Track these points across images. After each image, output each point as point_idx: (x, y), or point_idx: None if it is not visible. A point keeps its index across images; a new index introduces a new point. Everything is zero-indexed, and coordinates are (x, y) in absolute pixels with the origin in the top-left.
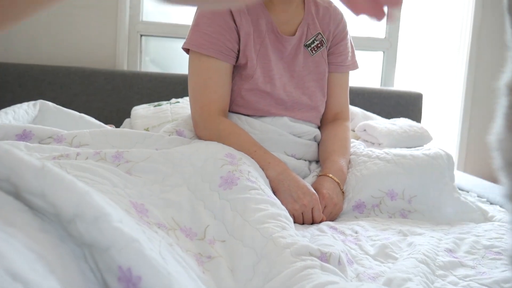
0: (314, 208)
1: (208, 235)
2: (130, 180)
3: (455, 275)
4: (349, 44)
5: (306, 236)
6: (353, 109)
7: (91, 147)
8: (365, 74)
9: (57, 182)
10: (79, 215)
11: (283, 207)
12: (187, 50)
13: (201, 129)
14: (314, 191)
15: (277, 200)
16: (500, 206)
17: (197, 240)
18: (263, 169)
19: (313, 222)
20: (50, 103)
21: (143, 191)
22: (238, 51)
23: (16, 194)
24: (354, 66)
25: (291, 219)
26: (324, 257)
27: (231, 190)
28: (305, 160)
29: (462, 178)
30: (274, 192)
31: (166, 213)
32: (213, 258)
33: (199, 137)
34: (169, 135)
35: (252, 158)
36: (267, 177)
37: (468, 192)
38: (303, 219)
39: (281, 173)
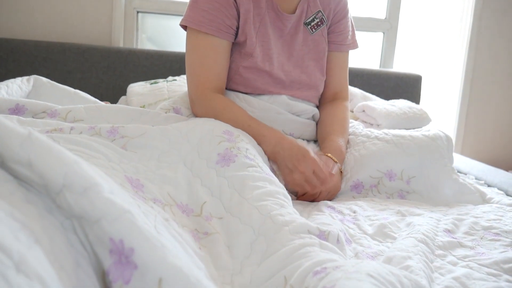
0: (315, 171)
1: (205, 212)
2: (125, 155)
3: (454, 255)
4: (349, 23)
5: (303, 215)
6: (352, 89)
7: (86, 123)
8: (364, 55)
9: (45, 151)
10: (67, 186)
11: (281, 185)
12: (184, 27)
13: (197, 106)
14: (312, 155)
15: (275, 178)
16: (498, 189)
17: (194, 216)
18: (259, 144)
19: (313, 200)
20: (44, 79)
21: (139, 166)
22: (237, 28)
23: (1, 163)
24: (354, 45)
25: (289, 197)
26: (323, 235)
27: (228, 167)
28: (303, 139)
29: (459, 161)
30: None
31: (162, 189)
32: (210, 235)
33: (195, 114)
34: (166, 113)
35: (247, 133)
36: (264, 152)
37: (466, 174)
38: (309, 188)
39: (276, 145)
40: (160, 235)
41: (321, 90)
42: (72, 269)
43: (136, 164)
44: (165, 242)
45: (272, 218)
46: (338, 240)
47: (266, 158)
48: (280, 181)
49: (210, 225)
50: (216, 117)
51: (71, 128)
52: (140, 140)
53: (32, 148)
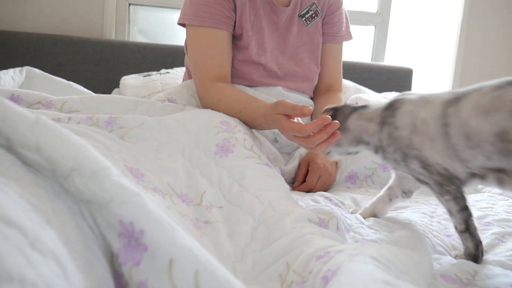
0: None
1: (205, 201)
2: (124, 145)
3: (450, 254)
4: (343, 15)
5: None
6: (345, 82)
7: (82, 113)
8: (356, 48)
9: (53, 135)
10: (76, 169)
11: (280, 176)
12: (182, 24)
13: (202, 100)
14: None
15: (273, 168)
16: None
17: (194, 206)
18: (254, 128)
19: (309, 191)
20: (37, 70)
21: (138, 157)
22: (234, 21)
23: (8, 148)
24: (348, 36)
25: (288, 187)
26: (323, 223)
27: (227, 157)
28: None
29: None
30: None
31: (162, 178)
32: (210, 223)
33: (204, 108)
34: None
35: (243, 119)
36: (262, 128)
37: None
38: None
39: (266, 121)
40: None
41: (315, 82)
42: (83, 251)
43: (135, 154)
44: (174, 224)
45: (273, 207)
46: (338, 227)
47: (264, 148)
48: (277, 170)
49: (211, 214)
50: (216, 108)
51: (69, 119)
52: (139, 131)
53: (41, 132)
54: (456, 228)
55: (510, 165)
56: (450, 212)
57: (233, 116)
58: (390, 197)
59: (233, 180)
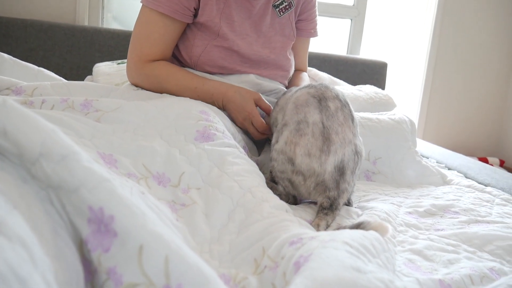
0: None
1: (183, 184)
2: (98, 128)
3: (415, 231)
4: (317, 12)
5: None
6: (321, 74)
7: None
8: (332, 41)
9: (21, 119)
10: (44, 154)
11: (258, 168)
12: None
13: (136, 75)
14: (252, 97)
15: (251, 160)
16: (458, 171)
17: (171, 187)
18: (211, 103)
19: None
20: (6, 55)
21: (113, 139)
22: (196, 9)
23: None
24: (316, 33)
25: (263, 177)
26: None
27: (207, 143)
28: None
29: (422, 145)
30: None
31: (137, 161)
32: (187, 206)
33: (132, 81)
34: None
35: (195, 96)
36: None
37: (428, 158)
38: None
39: (224, 100)
40: (139, 204)
41: (289, 71)
42: (51, 237)
43: (110, 137)
44: (144, 210)
45: (252, 193)
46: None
47: (238, 136)
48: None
49: (187, 197)
50: (160, 84)
51: (43, 101)
52: (115, 114)
53: (7, 116)
54: None
55: None
56: None
57: (185, 91)
58: None
59: (213, 164)
